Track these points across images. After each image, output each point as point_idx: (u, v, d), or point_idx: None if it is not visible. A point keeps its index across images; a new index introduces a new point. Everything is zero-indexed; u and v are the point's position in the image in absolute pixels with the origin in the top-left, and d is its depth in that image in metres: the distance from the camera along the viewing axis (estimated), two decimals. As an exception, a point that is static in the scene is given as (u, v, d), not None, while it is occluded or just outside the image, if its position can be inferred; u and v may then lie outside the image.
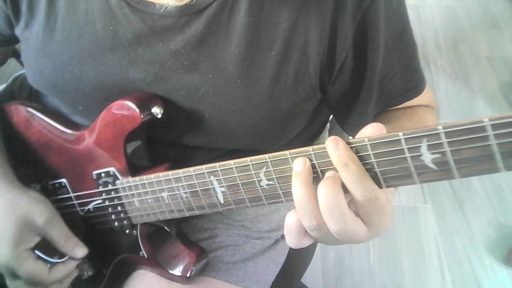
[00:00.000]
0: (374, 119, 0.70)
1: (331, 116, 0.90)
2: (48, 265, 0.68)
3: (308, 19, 0.59)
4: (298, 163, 0.48)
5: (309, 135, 0.84)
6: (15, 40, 0.75)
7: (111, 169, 0.67)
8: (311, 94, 0.65)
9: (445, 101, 2.16)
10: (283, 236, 0.85)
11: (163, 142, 0.71)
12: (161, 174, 0.60)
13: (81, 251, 0.70)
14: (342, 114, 0.72)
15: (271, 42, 0.61)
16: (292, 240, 0.50)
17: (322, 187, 0.45)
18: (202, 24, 0.60)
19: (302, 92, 0.64)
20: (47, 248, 0.68)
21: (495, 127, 0.38)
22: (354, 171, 0.45)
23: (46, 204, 0.68)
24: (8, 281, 0.69)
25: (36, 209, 0.67)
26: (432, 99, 0.75)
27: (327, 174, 0.47)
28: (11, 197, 0.68)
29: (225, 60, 0.61)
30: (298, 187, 0.47)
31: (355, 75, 0.64)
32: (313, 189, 0.47)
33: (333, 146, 0.45)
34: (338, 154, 0.45)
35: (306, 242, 0.51)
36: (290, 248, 0.86)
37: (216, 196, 0.56)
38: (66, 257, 0.69)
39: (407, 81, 0.68)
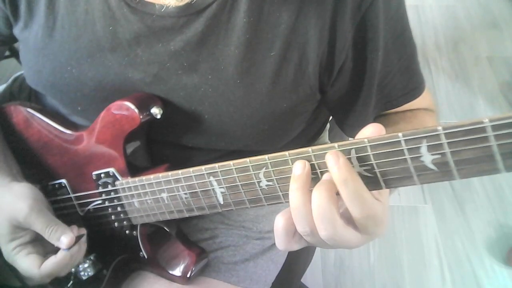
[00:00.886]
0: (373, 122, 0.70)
1: (331, 117, 0.90)
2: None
3: (307, 20, 0.59)
4: (298, 167, 0.47)
5: (309, 136, 0.84)
6: (12, 39, 0.74)
7: (111, 170, 0.67)
8: (310, 95, 0.65)
9: (445, 101, 2.16)
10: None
11: (162, 143, 0.71)
12: (160, 174, 0.60)
13: (66, 239, 0.65)
14: (341, 116, 0.72)
15: (271, 43, 0.60)
16: (280, 243, 0.50)
17: (316, 192, 0.45)
18: (202, 24, 0.60)
19: (302, 92, 0.64)
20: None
21: (495, 128, 0.37)
22: (352, 188, 0.44)
23: (26, 199, 0.66)
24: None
25: (16, 206, 0.65)
26: (431, 102, 0.75)
27: (324, 177, 0.47)
28: None
29: (225, 61, 0.61)
30: (295, 192, 0.47)
31: (354, 76, 0.64)
32: (309, 194, 0.46)
33: (333, 160, 0.45)
34: (338, 169, 0.44)
35: (295, 246, 0.50)
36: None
37: (216, 197, 0.56)
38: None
39: (406, 82, 0.68)
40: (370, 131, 0.45)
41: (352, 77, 0.64)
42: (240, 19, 0.59)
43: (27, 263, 0.65)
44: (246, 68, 0.61)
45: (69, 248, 0.65)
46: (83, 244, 0.69)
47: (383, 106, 0.69)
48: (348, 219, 0.46)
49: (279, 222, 0.49)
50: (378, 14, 0.60)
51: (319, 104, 0.70)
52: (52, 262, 0.65)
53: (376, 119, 0.71)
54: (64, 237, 0.65)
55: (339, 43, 0.60)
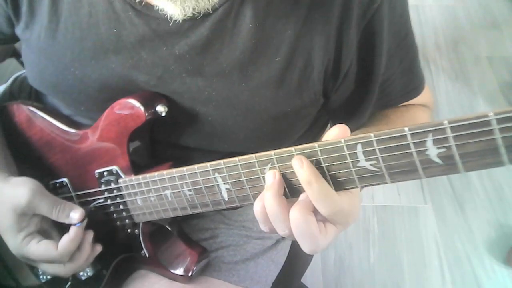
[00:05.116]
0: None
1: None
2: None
3: (313, 27, 0.59)
4: (269, 176, 0.50)
5: (310, 137, 0.84)
6: (15, 39, 0.74)
7: (114, 168, 0.67)
8: (314, 100, 0.65)
9: (445, 101, 2.16)
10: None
11: (165, 143, 0.70)
12: (164, 172, 0.60)
13: (76, 214, 0.66)
14: (341, 119, 0.71)
15: (276, 48, 0.60)
16: (263, 227, 0.53)
17: (293, 213, 0.48)
18: (207, 29, 0.60)
19: (306, 98, 0.64)
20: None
21: (500, 121, 0.38)
22: (316, 189, 0.47)
23: (27, 184, 0.65)
24: (40, 269, 0.69)
25: (17, 193, 0.64)
26: (430, 99, 0.76)
27: (300, 197, 0.50)
28: None
29: (230, 65, 0.61)
30: (270, 200, 0.49)
31: (358, 81, 0.64)
32: (284, 200, 0.49)
33: (298, 165, 0.47)
34: (303, 172, 0.47)
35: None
36: (290, 248, 0.86)
37: (220, 193, 0.56)
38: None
39: (407, 83, 0.68)
40: (336, 133, 0.48)
41: (356, 82, 0.64)
42: (245, 24, 0.59)
43: (42, 248, 0.65)
44: (250, 72, 0.61)
45: (81, 222, 0.66)
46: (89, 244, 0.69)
47: (382, 106, 0.70)
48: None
49: (257, 206, 0.51)
50: (383, 20, 0.60)
51: (321, 108, 0.70)
52: (67, 239, 0.64)
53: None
54: (73, 213, 0.66)
55: (345, 50, 0.61)
